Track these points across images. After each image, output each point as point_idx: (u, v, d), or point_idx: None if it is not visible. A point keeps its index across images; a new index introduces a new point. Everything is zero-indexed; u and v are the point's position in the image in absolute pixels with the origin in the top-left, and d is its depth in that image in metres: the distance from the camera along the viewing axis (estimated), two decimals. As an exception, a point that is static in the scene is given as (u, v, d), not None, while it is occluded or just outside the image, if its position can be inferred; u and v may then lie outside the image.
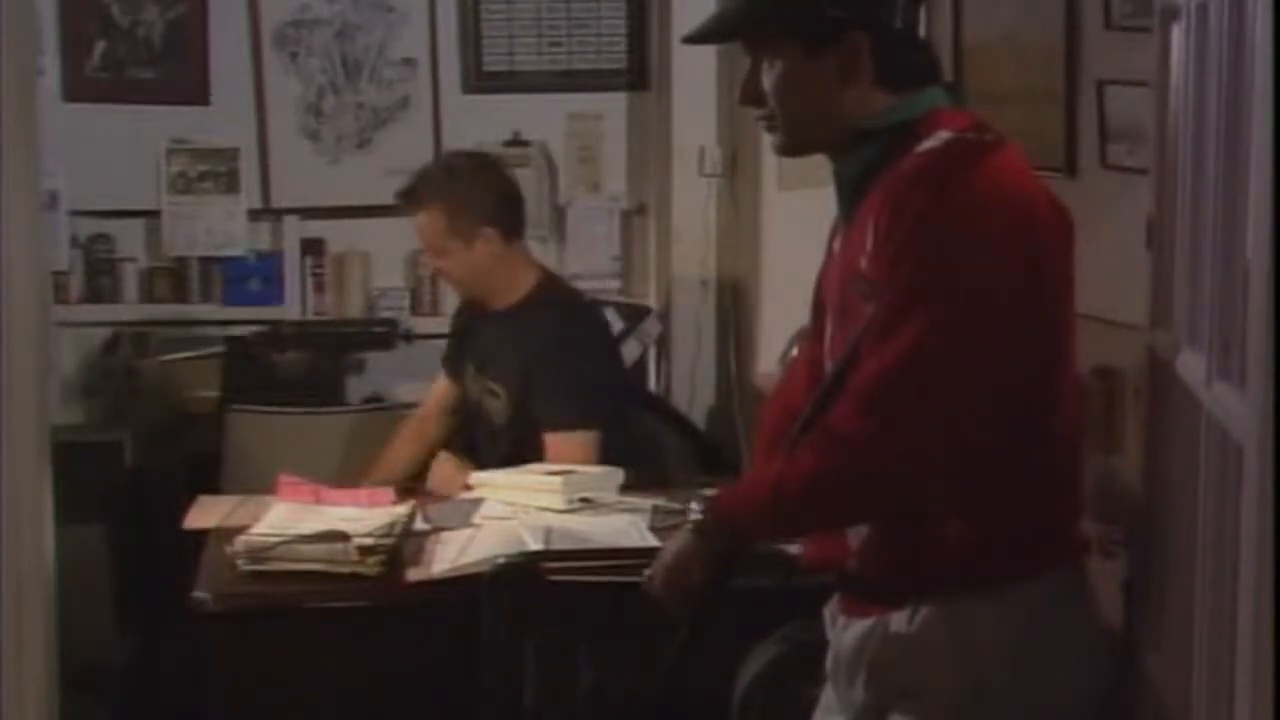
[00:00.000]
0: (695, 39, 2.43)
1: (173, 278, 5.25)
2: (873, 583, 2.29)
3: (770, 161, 4.62)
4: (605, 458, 3.76)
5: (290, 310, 5.24)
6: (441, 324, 5.11)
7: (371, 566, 3.01)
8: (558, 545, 3.11)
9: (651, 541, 3.12)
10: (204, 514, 3.56)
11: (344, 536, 3.05)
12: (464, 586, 2.95)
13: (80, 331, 5.17)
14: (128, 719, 4.44)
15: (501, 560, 2.99)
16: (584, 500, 3.48)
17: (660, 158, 5.19)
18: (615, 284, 5.30)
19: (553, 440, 3.80)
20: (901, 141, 2.24)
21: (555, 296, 3.98)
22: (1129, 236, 2.64)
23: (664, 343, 5.13)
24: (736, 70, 2.50)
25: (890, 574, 2.27)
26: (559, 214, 5.33)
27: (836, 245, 2.39)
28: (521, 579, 2.95)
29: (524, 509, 3.45)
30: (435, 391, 4.20)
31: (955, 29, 3.86)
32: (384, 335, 5.03)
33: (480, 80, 5.32)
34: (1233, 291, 1.72)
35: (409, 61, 5.29)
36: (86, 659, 3.92)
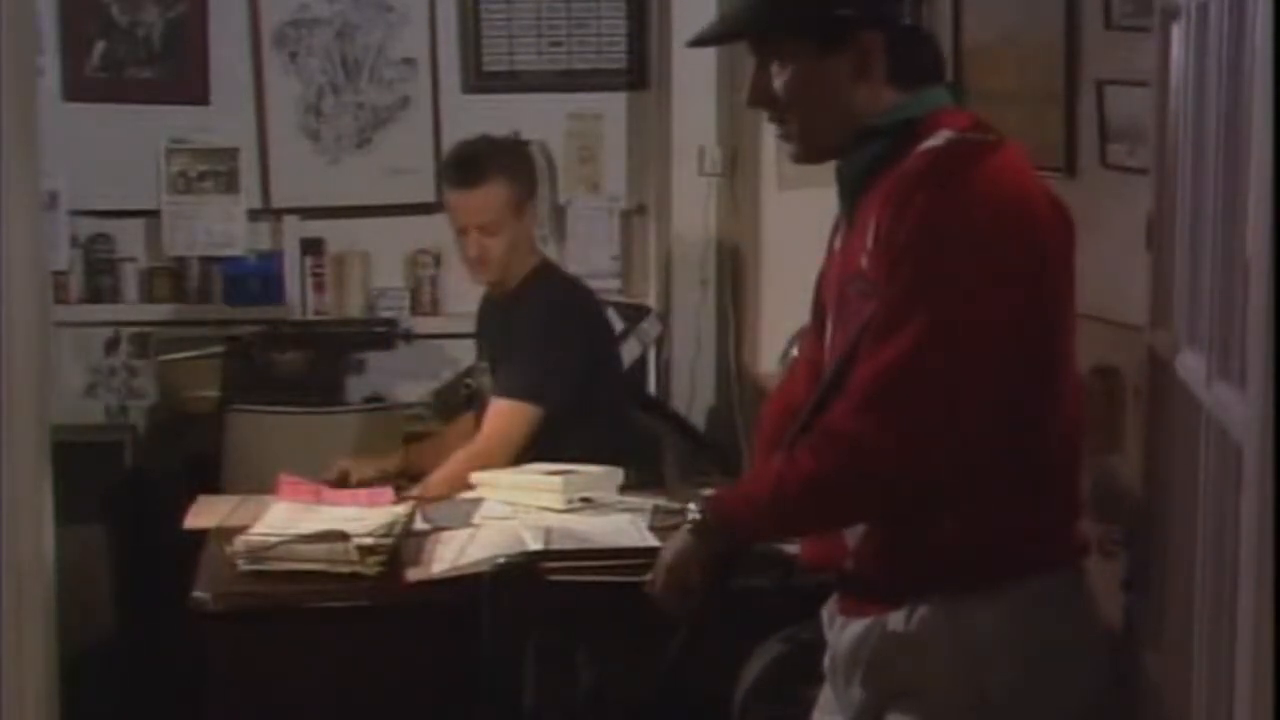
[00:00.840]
0: (703, 41, 2.43)
1: (173, 278, 5.25)
2: (871, 582, 2.29)
3: (770, 161, 4.62)
4: (561, 435, 3.78)
5: (290, 310, 5.24)
6: (441, 324, 5.12)
7: (371, 566, 3.01)
8: (558, 545, 3.11)
9: (651, 541, 3.13)
10: (204, 514, 3.57)
11: (344, 536, 3.05)
12: (464, 586, 2.95)
13: (80, 331, 5.17)
14: (128, 718, 4.43)
15: (501, 560, 2.99)
16: (584, 500, 3.48)
17: (660, 157, 5.19)
18: (615, 284, 5.29)
19: (493, 405, 3.86)
20: (904, 140, 2.24)
21: (549, 283, 4.03)
22: (1129, 236, 2.64)
23: (664, 343, 5.13)
24: (737, 70, 2.50)
25: (888, 573, 2.27)
26: (559, 214, 5.33)
27: (837, 244, 2.39)
28: (521, 579, 2.95)
29: (524, 509, 3.45)
30: (460, 426, 4.23)
31: (955, 29, 3.86)
32: (384, 335, 5.03)
33: (480, 80, 5.32)
34: (1233, 291, 1.72)
35: (409, 61, 5.28)
36: (86, 658, 3.92)
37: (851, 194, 2.31)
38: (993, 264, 2.15)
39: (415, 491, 3.67)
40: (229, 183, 5.24)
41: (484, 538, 3.20)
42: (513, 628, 2.89)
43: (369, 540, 3.05)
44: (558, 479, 3.51)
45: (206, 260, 5.24)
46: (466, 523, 3.34)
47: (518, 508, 3.46)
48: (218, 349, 4.94)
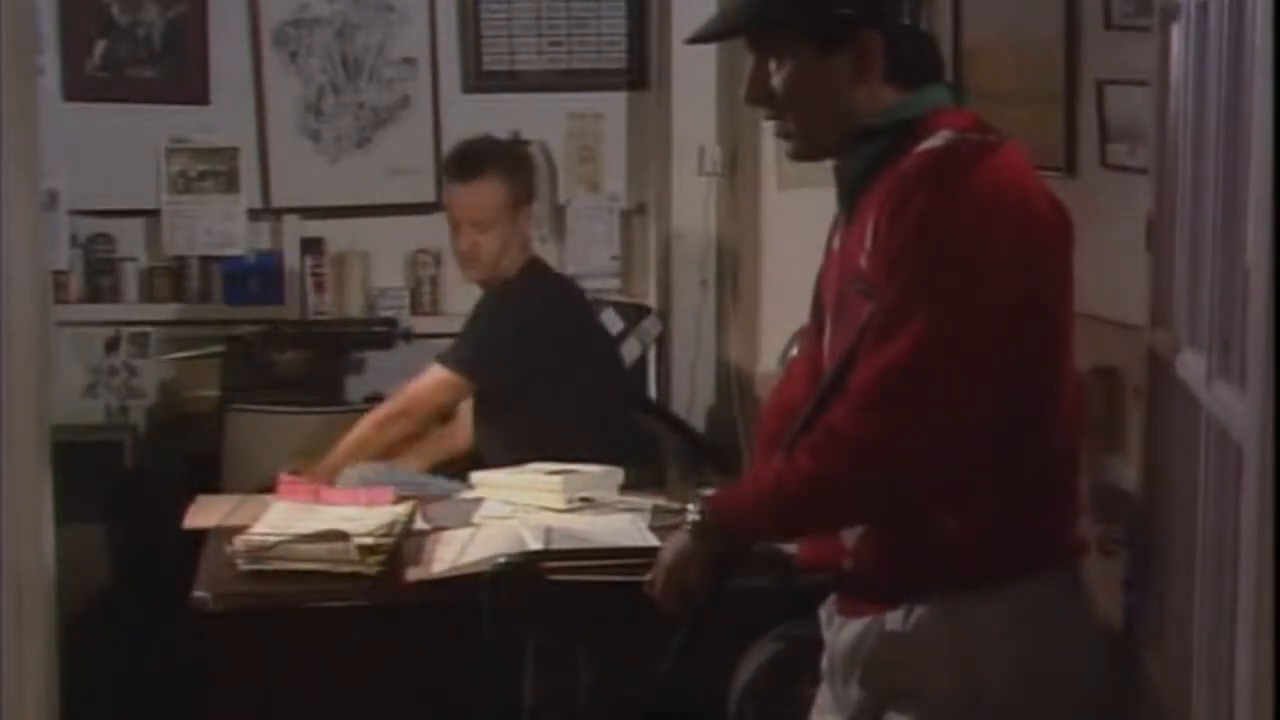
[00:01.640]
0: (701, 38, 2.42)
1: (173, 277, 5.24)
2: (869, 582, 2.29)
3: (770, 161, 4.62)
4: (560, 435, 3.81)
5: (290, 310, 5.23)
6: (441, 323, 5.12)
7: (371, 566, 3.01)
8: (558, 545, 3.11)
9: (651, 541, 3.13)
10: (204, 513, 3.57)
11: (344, 536, 3.05)
12: (464, 586, 2.95)
13: (80, 331, 5.17)
14: (128, 718, 4.43)
15: (502, 560, 2.99)
16: (584, 500, 3.48)
17: (660, 157, 5.18)
18: (615, 283, 5.29)
19: (432, 369, 4.02)
20: (903, 140, 2.24)
21: (533, 276, 4.11)
22: (1129, 236, 2.64)
23: (664, 342, 5.13)
24: (737, 69, 2.50)
25: (886, 573, 2.27)
26: (559, 213, 5.33)
27: (836, 244, 2.39)
28: (522, 579, 2.95)
29: (524, 508, 3.45)
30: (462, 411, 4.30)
31: (955, 28, 3.86)
32: (384, 335, 5.03)
33: (480, 80, 5.32)
34: (1233, 291, 1.72)
35: (409, 61, 5.28)
36: (86, 657, 3.92)
37: (850, 194, 2.31)
38: (992, 264, 2.15)
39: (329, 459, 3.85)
40: (229, 182, 5.24)
41: (484, 537, 3.20)
42: (513, 627, 2.89)
43: (369, 540, 3.05)
44: (558, 479, 3.51)
45: (206, 260, 5.24)
46: (467, 522, 3.34)
47: (518, 507, 3.47)
48: (218, 349, 4.94)
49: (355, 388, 5.00)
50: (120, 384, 5.21)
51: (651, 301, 5.20)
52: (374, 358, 5.06)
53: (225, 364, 4.89)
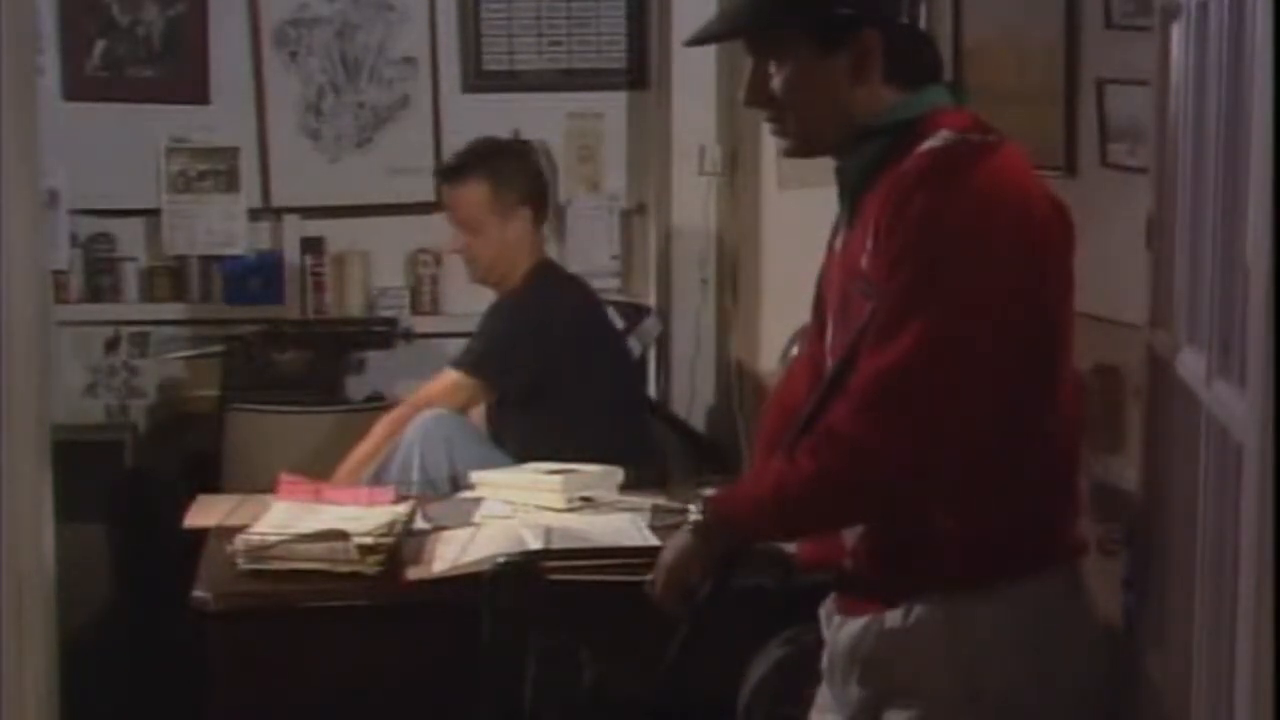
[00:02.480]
0: (701, 40, 2.42)
1: (173, 277, 5.25)
2: (868, 581, 2.29)
3: (770, 160, 4.62)
4: (564, 436, 3.84)
5: (290, 309, 5.24)
6: (441, 323, 5.12)
7: (371, 565, 3.01)
8: (558, 544, 3.11)
9: (652, 540, 3.13)
10: (204, 513, 3.57)
11: (344, 535, 3.05)
12: (464, 586, 2.95)
13: (80, 331, 5.17)
14: (128, 717, 4.43)
15: (502, 559, 2.99)
16: (584, 499, 3.48)
17: (660, 157, 5.18)
18: (615, 283, 5.29)
19: (445, 372, 4.04)
20: (903, 140, 2.24)
21: (541, 282, 4.07)
22: (1129, 236, 2.64)
23: (664, 342, 5.13)
24: (737, 70, 2.50)
25: (886, 572, 2.27)
26: (559, 213, 5.32)
27: (837, 244, 2.39)
28: (522, 578, 2.95)
29: (524, 508, 3.45)
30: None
31: (955, 28, 3.86)
32: (384, 334, 5.04)
33: (480, 79, 5.32)
34: (1233, 291, 1.72)
35: (409, 60, 5.28)
36: (86, 657, 3.91)
37: (852, 194, 2.31)
38: (991, 264, 2.15)
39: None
40: (229, 182, 5.24)
41: (484, 537, 3.20)
42: (513, 627, 2.89)
43: (369, 539, 3.05)
44: (558, 478, 3.51)
45: (207, 259, 5.25)
46: (467, 522, 3.34)
47: (518, 507, 3.47)
48: (218, 348, 4.95)
49: (355, 387, 5.00)
50: (120, 384, 5.22)
51: (651, 301, 5.21)
52: (374, 357, 5.06)
53: (225, 364, 4.89)
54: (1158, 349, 2.33)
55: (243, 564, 3.05)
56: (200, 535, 3.35)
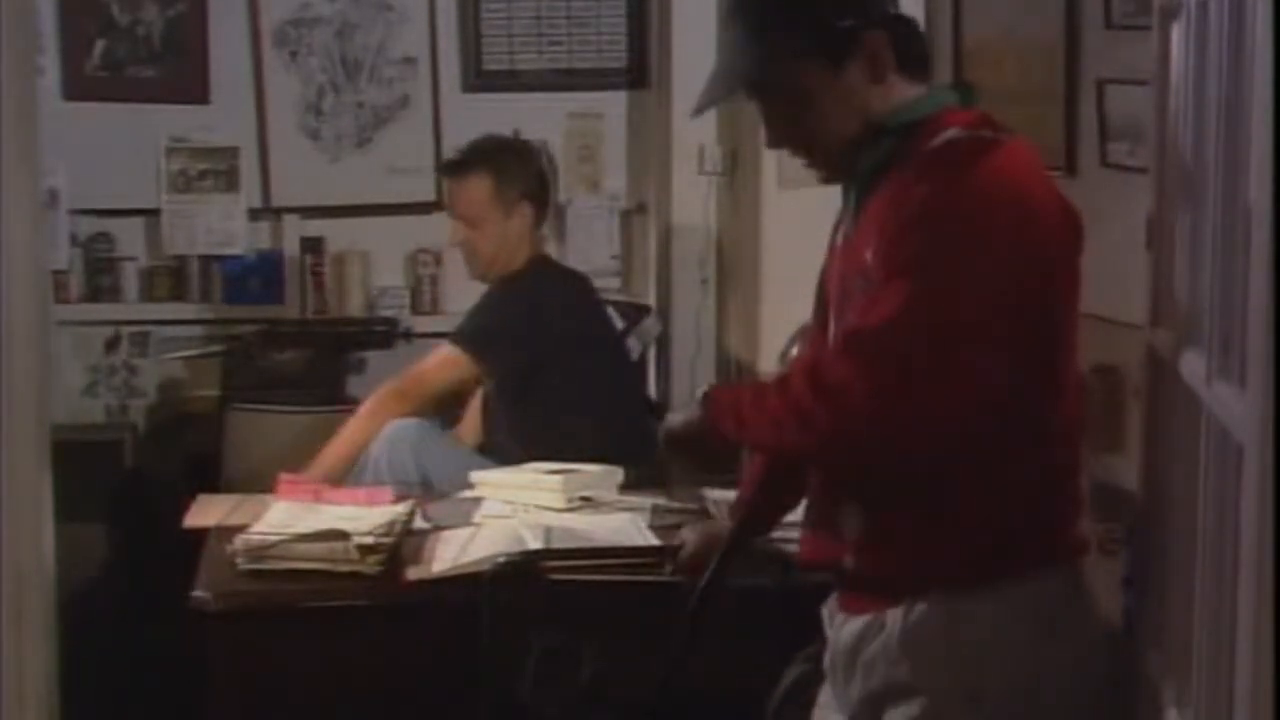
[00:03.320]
0: (708, 105, 2.45)
1: (173, 276, 5.25)
2: (869, 580, 2.29)
3: (770, 159, 4.62)
4: (562, 434, 3.85)
5: (290, 309, 5.24)
6: (441, 323, 5.12)
7: (371, 565, 3.01)
8: (558, 544, 3.11)
9: (651, 540, 3.13)
10: (204, 513, 3.57)
11: (343, 535, 3.05)
12: (464, 585, 2.95)
13: (80, 330, 5.17)
14: (128, 717, 4.43)
15: (502, 559, 2.99)
16: (584, 499, 3.48)
17: (660, 156, 5.18)
18: (615, 282, 5.29)
19: (438, 348, 4.04)
20: (912, 139, 2.25)
21: (537, 269, 4.11)
22: (1129, 235, 2.64)
23: (664, 341, 5.13)
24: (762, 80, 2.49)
25: (887, 571, 2.27)
26: (559, 213, 5.32)
27: (839, 241, 2.39)
28: (522, 578, 2.95)
29: (524, 508, 3.45)
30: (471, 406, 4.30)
31: (955, 27, 3.87)
32: (384, 334, 5.04)
33: (480, 79, 5.32)
34: (1233, 291, 1.72)
35: (409, 60, 5.29)
36: (86, 658, 3.91)
37: (858, 192, 2.31)
38: (988, 252, 2.14)
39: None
40: (229, 181, 5.24)
41: (484, 537, 3.20)
42: (513, 626, 2.89)
43: (369, 539, 3.05)
44: (558, 478, 3.51)
45: (206, 259, 5.25)
46: (467, 522, 3.34)
47: (518, 507, 3.47)
48: (218, 348, 4.95)
49: (355, 387, 4.99)
50: (120, 383, 5.22)
51: (651, 301, 5.21)
52: (374, 357, 5.06)
53: (225, 363, 4.89)
54: (1158, 349, 2.33)
55: (242, 564, 3.05)
56: (200, 535, 3.35)
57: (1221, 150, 1.83)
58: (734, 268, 5.05)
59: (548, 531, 3.18)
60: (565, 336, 4.04)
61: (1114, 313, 2.82)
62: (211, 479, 4.39)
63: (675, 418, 2.46)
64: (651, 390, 5.13)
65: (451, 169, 4.17)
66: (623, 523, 3.31)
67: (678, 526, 3.04)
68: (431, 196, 5.06)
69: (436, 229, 4.72)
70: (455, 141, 5.15)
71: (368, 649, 2.99)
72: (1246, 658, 1.50)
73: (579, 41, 5.34)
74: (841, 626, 2.34)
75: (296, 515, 3.27)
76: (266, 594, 3.00)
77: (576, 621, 2.92)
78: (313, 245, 5.29)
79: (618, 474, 3.61)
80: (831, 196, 2.42)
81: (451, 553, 3.10)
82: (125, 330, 5.22)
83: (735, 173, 5.01)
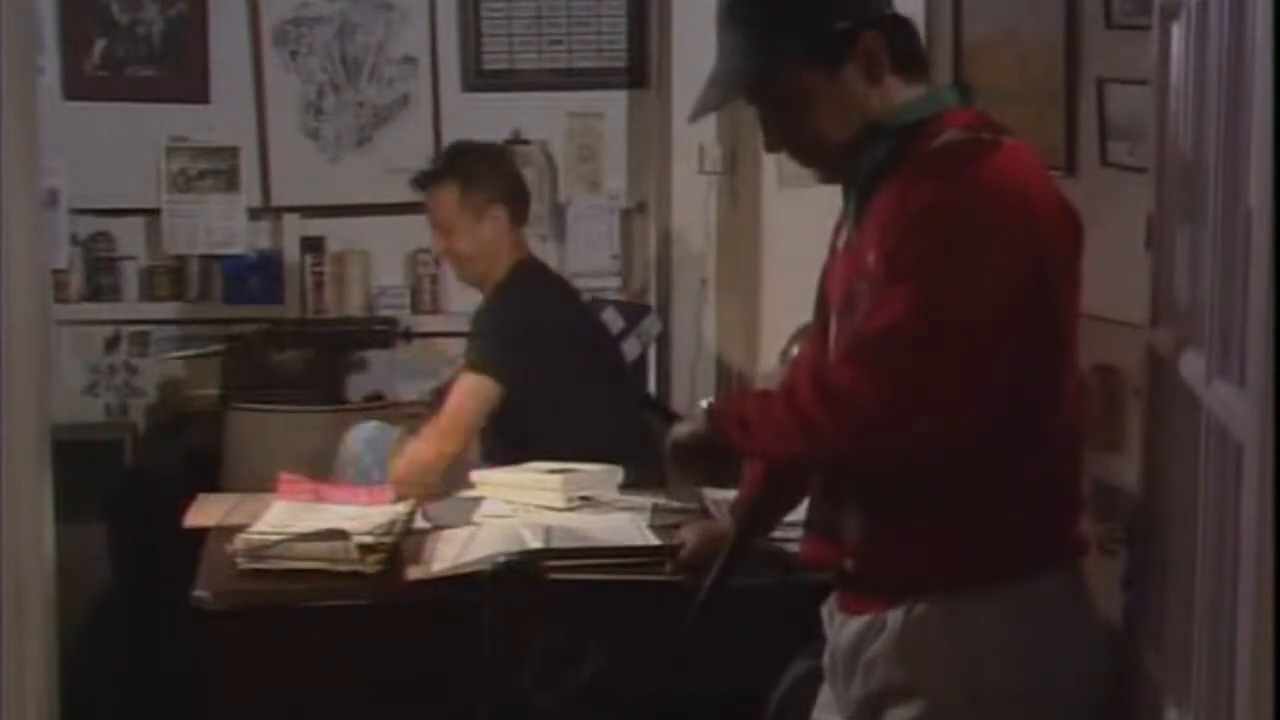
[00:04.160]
0: (703, 111, 2.46)
1: (173, 276, 5.24)
2: (870, 580, 2.29)
3: (770, 159, 4.61)
4: (560, 434, 3.83)
5: (290, 309, 5.23)
6: (441, 322, 5.12)
7: (371, 565, 3.01)
8: (558, 543, 3.11)
9: (652, 540, 3.13)
10: (204, 512, 3.57)
11: (344, 535, 3.05)
12: (464, 585, 2.95)
13: (80, 330, 5.17)
14: (128, 717, 4.43)
15: (502, 559, 2.99)
16: (584, 499, 3.48)
17: (660, 156, 5.18)
18: (615, 282, 5.29)
19: (459, 380, 3.97)
20: (912, 141, 2.25)
21: (524, 276, 4.08)
22: (1129, 235, 2.64)
23: (664, 341, 5.13)
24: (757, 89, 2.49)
25: (887, 571, 2.27)
26: (559, 212, 5.33)
27: (840, 242, 2.39)
28: (522, 577, 2.95)
29: (524, 507, 3.45)
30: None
31: (955, 27, 3.86)
32: (384, 334, 5.03)
33: (480, 78, 5.32)
34: (1233, 290, 1.72)
35: (409, 60, 5.28)
36: (86, 656, 3.92)
37: (860, 194, 2.31)
38: (989, 257, 2.15)
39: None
40: (229, 181, 5.24)
41: (484, 536, 3.20)
42: (513, 626, 2.89)
43: (369, 539, 3.05)
44: (558, 478, 3.51)
45: (206, 259, 5.24)
46: (467, 521, 3.34)
47: (518, 506, 3.47)
48: (218, 347, 4.94)
49: (355, 387, 4.99)
50: (120, 383, 5.22)
51: (651, 300, 5.21)
52: (374, 357, 5.06)
53: (225, 363, 4.89)
54: (1158, 349, 2.33)
55: (242, 563, 3.05)
56: (200, 535, 3.35)
57: (1221, 150, 1.83)
58: (734, 268, 5.05)
59: (548, 531, 3.18)
60: (557, 344, 4.04)
61: (1114, 312, 2.82)
62: (211, 479, 4.38)
63: (681, 429, 2.46)
64: (652, 390, 5.13)
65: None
66: (623, 522, 3.31)
67: (677, 526, 3.05)
68: (431, 196, 5.05)
69: (436, 228, 4.72)
70: (455, 141, 5.17)
71: (368, 649, 2.99)
72: (1246, 658, 1.50)
73: (579, 41, 5.33)
74: (841, 627, 2.34)
75: (296, 515, 3.27)
76: (266, 594, 3.00)
77: (577, 621, 2.92)
78: (313, 245, 5.28)
79: (618, 474, 3.61)
80: (831, 196, 2.42)
81: (452, 552, 3.10)
82: (125, 330, 5.22)
83: (735, 172, 5.01)
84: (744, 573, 2.46)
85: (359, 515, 3.25)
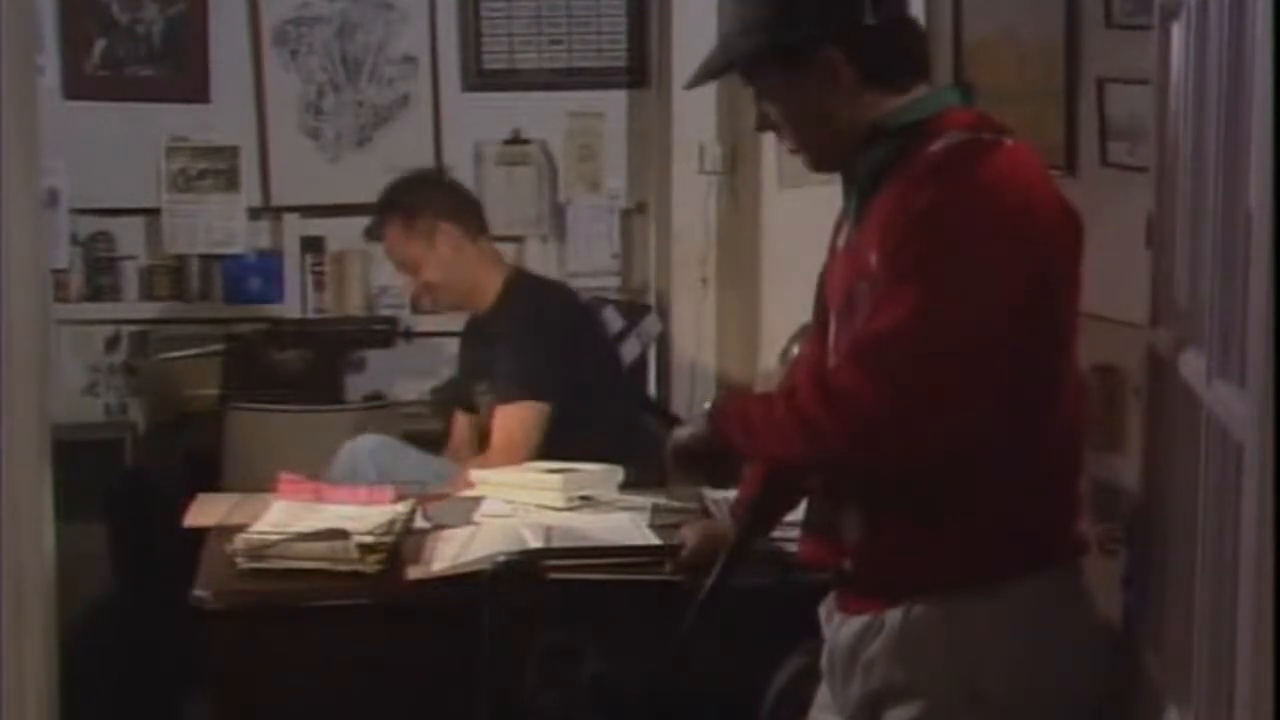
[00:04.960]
0: (696, 82, 2.51)
1: (173, 276, 5.25)
2: (868, 580, 2.29)
3: (770, 159, 4.62)
4: (561, 435, 3.83)
5: (290, 308, 5.24)
6: (441, 322, 5.11)
7: (371, 565, 3.01)
8: (558, 543, 3.11)
9: (652, 539, 3.13)
10: (204, 512, 3.57)
11: (344, 534, 3.05)
12: (464, 585, 2.95)
13: (81, 330, 5.17)
14: (128, 716, 4.43)
15: (502, 558, 2.99)
16: (584, 498, 3.48)
17: (660, 155, 5.18)
18: (615, 282, 5.30)
19: (499, 412, 3.91)
20: (913, 141, 2.25)
21: (524, 291, 4.07)
22: (1129, 234, 2.64)
23: (664, 341, 5.13)
24: (729, 75, 2.52)
25: (886, 572, 2.27)
26: (559, 212, 5.33)
27: (841, 243, 2.40)
28: (522, 577, 2.94)
29: (524, 507, 3.45)
30: (456, 428, 4.23)
31: (955, 26, 3.86)
32: (384, 333, 5.03)
33: (480, 78, 5.32)
34: (1233, 290, 1.72)
35: (409, 59, 5.29)
36: (86, 656, 3.91)
37: (860, 194, 2.32)
38: (992, 257, 2.15)
39: None
40: (229, 181, 5.24)
41: (484, 536, 3.20)
42: (513, 626, 2.89)
43: (369, 538, 3.05)
44: (558, 477, 3.51)
45: (206, 258, 5.25)
46: (467, 521, 3.34)
47: (518, 506, 3.47)
48: (218, 347, 4.94)
49: (355, 386, 4.99)
50: (120, 382, 5.22)
51: (651, 300, 5.21)
52: (374, 356, 5.06)
53: (225, 363, 4.89)
54: (1158, 348, 2.33)
55: (242, 563, 3.04)
56: (200, 534, 3.35)
57: (1221, 150, 1.83)
58: (734, 267, 5.05)
59: (548, 531, 3.18)
60: (574, 343, 4.04)
61: (1114, 312, 2.82)
62: (211, 479, 4.38)
63: (683, 432, 2.46)
64: (652, 390, 5.13)
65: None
66: (623, 522, 3.31)
67: (678, 526, 3.04)
68: (432, 195, 5.05)
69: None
70: (455, 140, 5.18)
71: (368, 648, 2.99)
72: (1246, 658, 1.50)
73: (579, 40, 5.34)
74: (840, 627, 2.34)
75: (296, 514, 3.27)
76: (266, 593, 3.00)
77: (577, 621, 2.92)
78: (313, 244, 5.29)
79: (618, 473, 3.61)
80: (831, 196, 2.42)
81: (452, 552, 3.10)
82: (125, 330, 5.22)
83: (735, 172, 5.01)
84: (743, 573, 2.46)
85: (359, 515, 3.25)
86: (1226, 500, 1.75)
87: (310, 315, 5.23)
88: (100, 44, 5.20)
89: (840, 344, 2.33)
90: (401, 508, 3.32)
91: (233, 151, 5.24)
